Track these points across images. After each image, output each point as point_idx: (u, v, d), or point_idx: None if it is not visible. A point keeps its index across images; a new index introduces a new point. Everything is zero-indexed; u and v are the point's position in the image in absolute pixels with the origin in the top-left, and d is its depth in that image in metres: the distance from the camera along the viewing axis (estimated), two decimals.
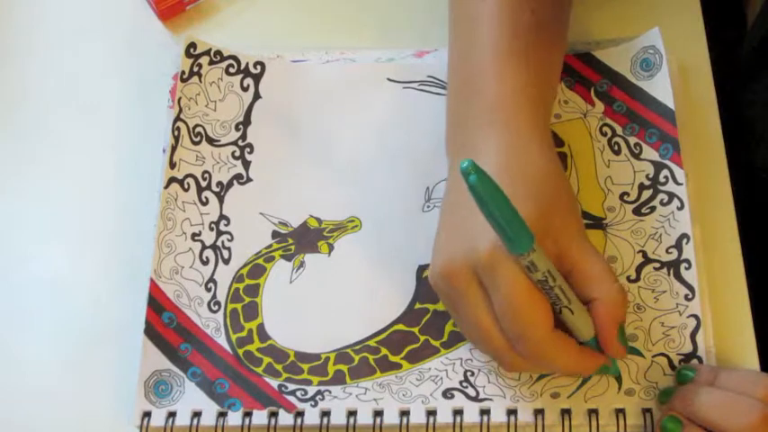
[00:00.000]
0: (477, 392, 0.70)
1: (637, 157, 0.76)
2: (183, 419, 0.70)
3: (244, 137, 0.79)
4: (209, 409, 0.70)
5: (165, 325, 0.73)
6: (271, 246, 0.76)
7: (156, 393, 0.71)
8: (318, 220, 0.76)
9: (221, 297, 0.74)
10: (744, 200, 0.76)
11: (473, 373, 0.71)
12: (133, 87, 0.83)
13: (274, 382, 0.71)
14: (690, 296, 0.72)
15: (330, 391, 0.70)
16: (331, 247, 0.75)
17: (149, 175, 0.78)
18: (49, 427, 0.72)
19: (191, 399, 0.71)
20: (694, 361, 0.70)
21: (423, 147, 0.78)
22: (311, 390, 0.71)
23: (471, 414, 0.69)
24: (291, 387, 0.71)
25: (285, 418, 0.70)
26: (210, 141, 0.79)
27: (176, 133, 0.78)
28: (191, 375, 0.71)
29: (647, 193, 0.75)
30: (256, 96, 0.81)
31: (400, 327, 0.72)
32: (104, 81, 0.84)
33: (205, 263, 0.75)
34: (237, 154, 0.79)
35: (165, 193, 0.76)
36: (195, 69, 0.81)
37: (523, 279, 0.62)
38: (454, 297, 0.65)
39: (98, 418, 0.72)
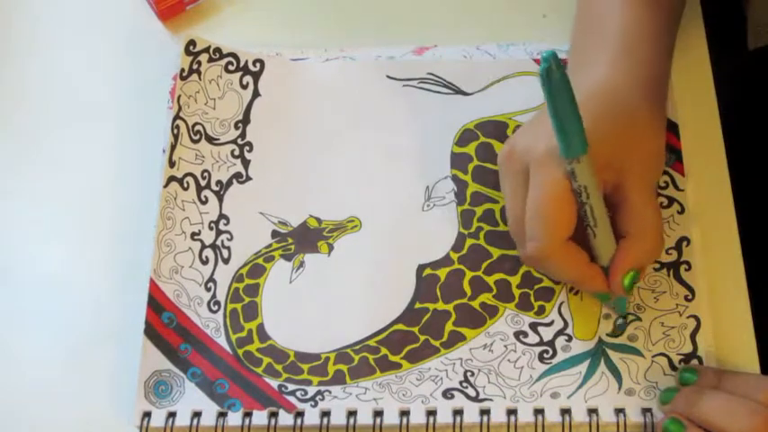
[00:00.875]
0: (477, 392, 0.70)
1: None
2: (182, 420, 0.70)
3: (243, 135, 0.79)
4: (209, 410, 0.70)
5: (165, 325, 0.73)
6: (270, 245, 0.76)
7: (155, 394, 0.71)
8: (318, 219, 0.76)
9: (221, 297, 0.74)
10: (744, 200, 0.76)
11: (473, 373, 0.71)
12: (133, 87, 0.83)
13: (274, 383, 0.71)
14: (690, 297, 0.72)
15: (330, 391, 0.70)
16: (331, 247, 0.75)
17: (149, 174, 0.78)
18: (49, 427, 0.72)
19: (191, 399, 0.71)
20: (694, 361, 0.70)
21: (422, 145, 0.78)
22: (311, 390, 0.71)
23: (471, 414, 0.69)
24: (291, 387, 0.71)
25: (285, 419, 0.70)
26: (210, 140, 0.79)
27: (176, 131, 0.78)
28: (190, 376, 0.71)
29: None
30: (255, 94, 0.81)
31: (400, 326, 0.72)
32: (104, 81, 0.84)
33: (205, 262, 0.75)
34: (237, 152, 0.79)
35: (164, 192, 0.76)
36: (195, 67, 0.80)
37: (560, 185, 0.65)
38: (503, 178, 0.70)
39: (98, 418, 0.72)
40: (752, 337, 0.72)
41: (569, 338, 0.71)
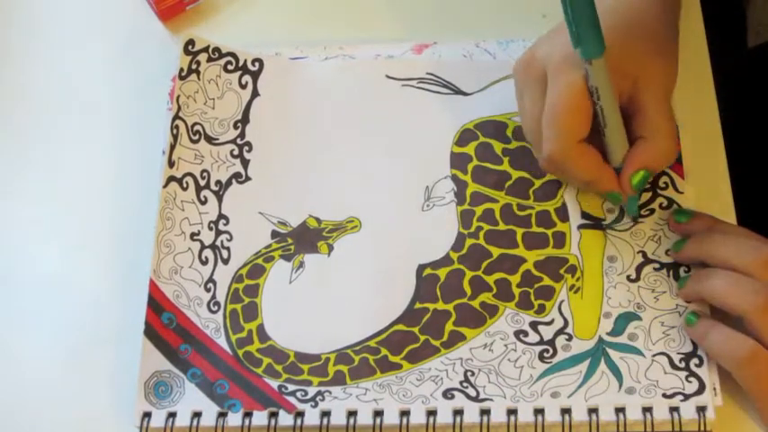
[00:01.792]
0: (478, 392, 0.70)
1: None
2: (183, 420, 0.70)
3: (242, 135, 0.79)
4: (209, 410, 0.70)
5: (165, 326, 0.73)
6: (270, 246, 0.76)
7: (156, 394, 0.71)
8: (318, 219, 0.76)
9: (221, 297, 0.74)
10: (744, 200, 0.76)
11: (473, 373, 0.71)
12: (133, 88, 0.83)
13: (274, 383, 0.71)
14: None
15: (330, 392, 0.70)
16: (330, 248, 0.75)
17: (149, 175, 0.78)
18: (49, 428, 0.72)
19: (191, 399, 0.71)
20: (695, 360, 0.70)
21: (422, 145, 0.78)
22: (311, 390, 0.71)
23: (471, 414, 0.69)
24: (291, 388, 0.71)
25: (285, 419, 0.70)
26: (209, 140, 0.79)
27: (175, 132, 0.78)
28: (190, 376, 0.71)
29: (645, 196, 0.75)
30: (254, 94, 0.81)
31: (400, 327, 0.72)
32: (104, 81, 0.84)
33: (204, 263, 0.75)
34: (236, 152, 0.79)
35: (163, 192, 0.76)
36: (194, 67, 0.80)
37: (577, 88, 0.68)
38: (522, 84, 0.72)
39: (98, 418, 0.72)
40: None
41: (569, 337, 0.71)
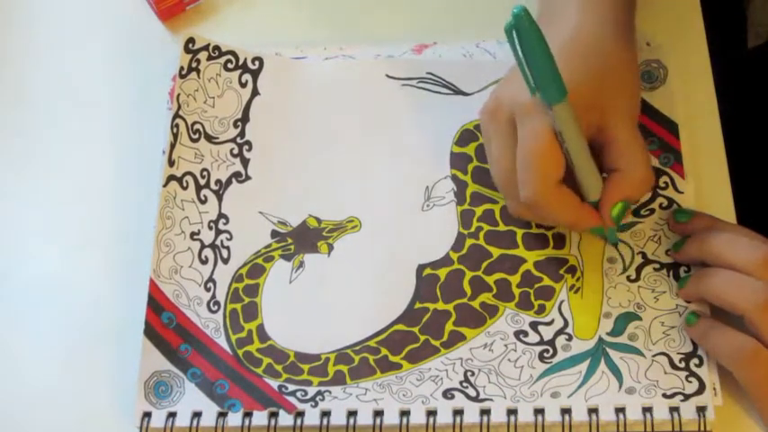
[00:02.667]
0: (478, 392, 0.70)
1: None
2: (183, 420, 0.70)
3: (242, 134, 0.79)
4: (209, 410, 0.70)
5: (165, 325, 0.73)
6: (270, 245, 0.76)
7: (156, 394, 0.71)
8: (318, 219, 0.76)
9: (221, 297, 0.74)
10: (744, 200, 0.76)
11: (473, 373, 0.71)
12: (133, 87, 0.83)
13: (274, 383, 0.71)
14: None
15: (330, 392, 0.70)
16: (330, 248, 0.75)
17: (149, 175, 0.78)
18: (49, 428, 0.72)
19: (191, 399, 0.71)
20: (694, 359, 0.70)
21: (422, 145, 0.78)
22: (311, 390, 0.71)
23: (471, 414, 0.69)
24: (291, 387, 0.71)
25: (285, 419, 0.70)
26: (209, 138, 0.79)
27: (175, 130, 0.78)
28: (190, 376, 0.71)
29: (645, 196, 0.75)
30: (254, 93, 0.81)
31: (400, 327, 0.72)
32: (104, 81, 0.84)
33: (204, 262, 0.75)
34: (236, 151, 0.79)
35: (163, 191, 0.76)
36: (194, 65, 0.80)
37: (547, 133, 0.66)
38: (491, 132, 0.71)
39: (98, 418, 0.72)
40: None
41: (569, 338, 0.71)
